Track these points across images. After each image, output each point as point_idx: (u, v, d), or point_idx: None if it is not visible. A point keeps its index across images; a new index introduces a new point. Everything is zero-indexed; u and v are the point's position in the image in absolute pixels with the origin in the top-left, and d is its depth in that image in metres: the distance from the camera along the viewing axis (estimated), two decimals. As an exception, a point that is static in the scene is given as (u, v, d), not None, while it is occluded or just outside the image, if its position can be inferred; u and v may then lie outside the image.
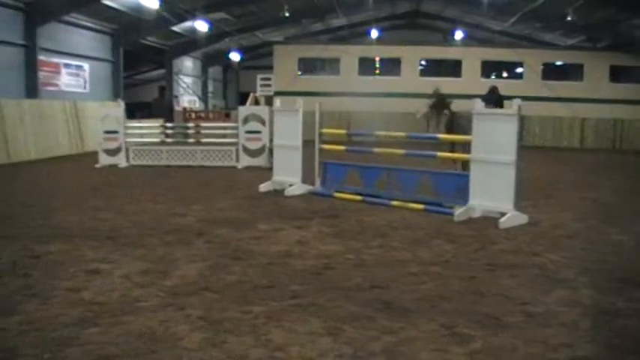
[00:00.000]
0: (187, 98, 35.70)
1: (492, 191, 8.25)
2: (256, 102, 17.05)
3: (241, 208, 9.29)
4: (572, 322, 4.46)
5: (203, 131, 16.70)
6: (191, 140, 16.64)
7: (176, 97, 33.29)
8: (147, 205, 9.49)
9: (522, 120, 8.15)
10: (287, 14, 28.63)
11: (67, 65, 22.79)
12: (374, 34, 36.05)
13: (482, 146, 8.37)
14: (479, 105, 8.51)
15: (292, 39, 35.67)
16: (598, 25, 28.56)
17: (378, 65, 32.75)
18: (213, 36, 30.57)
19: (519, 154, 8.05)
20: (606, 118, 29.32)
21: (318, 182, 10.88)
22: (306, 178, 10.92)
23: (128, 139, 16.32)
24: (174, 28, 28.63)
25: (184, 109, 32.69)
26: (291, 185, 10.83)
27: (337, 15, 32.54)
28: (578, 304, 4.87)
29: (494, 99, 14.67)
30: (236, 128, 16.03)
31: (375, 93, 30.15)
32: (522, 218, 8.19)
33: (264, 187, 11.20)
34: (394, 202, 9.34)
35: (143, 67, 35.87)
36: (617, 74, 30.52)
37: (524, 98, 9.33)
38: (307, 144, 10.93)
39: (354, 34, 38.94)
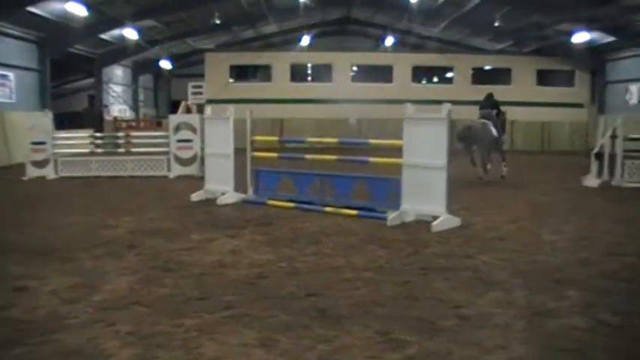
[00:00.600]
0: (118, 107, 34.84)
1: (425, 195, 8.31)
2: (188, 110, 16.82)
3: (173, 218, 9.11)
4: (506, 324, 4.49)
5: (133, 141, 16.30)
6: (121, 150, 16.27)
7: (106, 106, 32.45)
8: (76, 217, 9.18)
9: (453, 124, 8.22)
10: (217, 21, 28.27)
11: (-11, 74, 21.90)
12: (305, 40, 35.98)
13: (414, 150, 8.41)
14: (410, 109, 8.54)
15: (223, 46, 35.38)
16: (525, 30, 29.39)
17: (310, 72, 32.77)
18: (143, 44, 29.89)
19: (450, 157, 8.10)
20: (534, 120, 30.23)
21: (250, 190, 10.78)
22: (239, 187, 10.81)
23: (56, 150, 15.89)
24: (103, 36, 27.84)
25: (115, 118, 31.96)
26: (223, 194, 10.70)
27: (268, 22, 32.42)
28: (511, 306, 4.91)
29: (490, 104, 15.29)
30: (167, 137, 15.81)
31: (307, 99, 30.27)
32: (455, 221, 8.28)
33: (196, 196, 11.04)
34: (327, 209, 9.33)
35: (72, 76, 34.74)
36: (543, 78, 31.57)
37: (455, 102, 9.44)
38: (239, 152, 10.83)
39: (286, 40, 38.86)
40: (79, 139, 17.16)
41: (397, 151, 8.63)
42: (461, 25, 31.46)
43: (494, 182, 14.17)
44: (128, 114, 35.88)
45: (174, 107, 23.60)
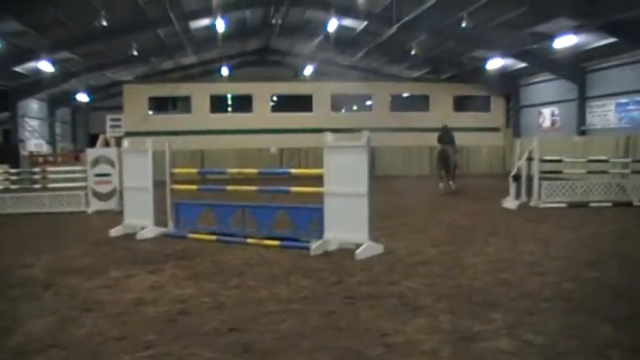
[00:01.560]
0: (34, 142, 33.63)
1: (347, 223, 8.27)
2: (106, 144, 16.38)
3: (91, 255, 8.75)
4: (433, 350, 4.47)
5: (50, 176, 15.73)
6: (37, 186, 15.68)
7: (22, 141, 31.26)
8: (-15, 258, 8.60)
9: (372, 151, 8.24)
10: (135, 53, 27.77)
11: None
12: (224, 71, 35.95)
13: (334, 179, 8.39)
14: (329, 138, 8.51)
15: (142, 78, 34.97)
16: (440, 57, 30.29)
17: (230, 102, 32.70)
18: (59, 76, 29.01)
19: (371, 184, 8.09)
20: (452, 145, 30.92)
21: (171, 224, 10.50)
22: (159, 220, 10.54)
23: None
24: (17, 69, 26.89)
25: (31, 153, 30.79)
26: (143, 228, 10.40)
27: (187, 53, 32.12)
28: (438, 331, 4.90)
29: (448, 136, 18.49)
30: (85, 171, 15.34)
31: (227, 130, 30.22)
32: (378, 248, 8.26)
33: (114, 231, 10.68)
34: (250, 240, 9.19)
35: None
36: (460, 103, 32.55)
37: (374, 129, 9.50)
38: (159, 185, 10.57)
39: (206, 71, 38.71)
40: None
41: (318, 180, 8.61)
42: (379, 53, 32.21)
43: (416, 207, 14.29)
44: (45, 148, 34.67)
45: (92, 141, 23.12)
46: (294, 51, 35.92)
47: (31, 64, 26.34)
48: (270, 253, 8.47)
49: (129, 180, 10.79)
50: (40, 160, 27.97)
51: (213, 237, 9.58)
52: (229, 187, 10.06)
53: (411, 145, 30.42)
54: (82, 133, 41.58)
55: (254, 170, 9.98)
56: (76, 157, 28.31)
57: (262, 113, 31.10)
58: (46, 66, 25.82)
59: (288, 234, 9.14)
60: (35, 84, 29.29)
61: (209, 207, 10.31)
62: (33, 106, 33.72)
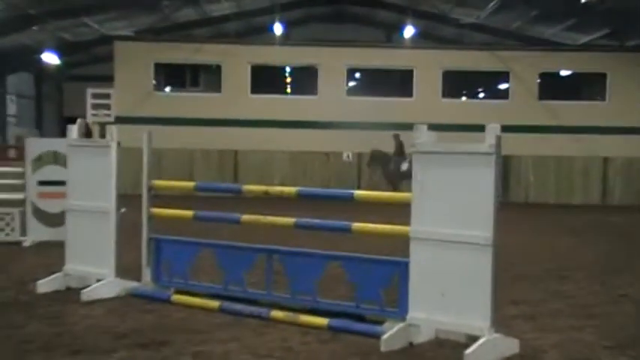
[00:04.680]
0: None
1: (450, 293, 7.41)
2: (88, 132, 15.92)
3: None
4: None
5: None
6: None
7: None
8: None
9: (503, 162, 7.10)
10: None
11: None
12: (278, 29, 35.54)
13: (431, 210, 7.55)
14: (423, 136, 7.56)
15: (146, 33, 35.24)
16: (631, 11, 28.44)
17: (283, 78, 33.11)
18: (9, 20, 28.90)
19: (498, 223, 7.11)
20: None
21: (147, 274, 9.91)
22: (128, 266, 10.09)
23: None
24: None
25: None
26: (98, 280, 9.83)
27: (218, -2, 31.85)
28: None
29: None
30: (21, 176, 15.14)
31: (276, 121, 30.12)
32: (508, 345, 7.38)
33: (47, 283, 10.12)
34: (275, 313, 8.53)
35: None
36: None
37: (511, 129, 8.42)
38: (132, 202, 10.22)
39: (247, 28, 38.91)
40: None
41: (404, 211, 7.86)
42: (522, 5, 31.28)
43: (577, 261, 14.03)
44: None
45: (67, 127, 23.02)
46: (387, 1, 35.18)
47: None
48: (308, 342, 7.78)
49: (76, 195, 10.28)
50: None
51: (216, 303, 9.00)
52: (247, 218, 9.44)
53: (574, 156, 29.68)
54: (52, 114, 41.83)
55: (291, 189, 9.10)
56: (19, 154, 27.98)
57: (333, 96, 31.04)
58: None
59: (344, 306, 8.56)
60: None
61: (211, 249, 9.84)
62: None
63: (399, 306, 7.89)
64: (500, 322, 7.43)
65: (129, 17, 34.54)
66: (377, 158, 27.69)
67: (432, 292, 7.54)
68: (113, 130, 10.04)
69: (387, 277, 8.14)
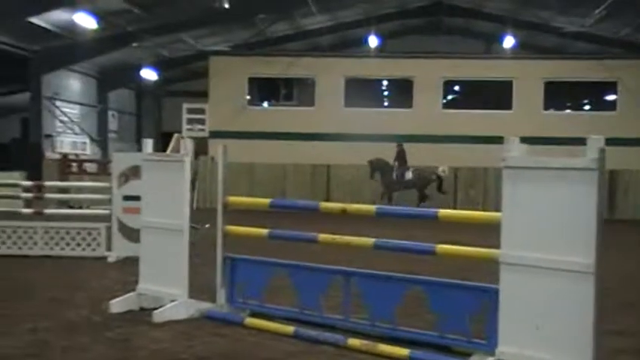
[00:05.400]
0: (71, 139, 34.23)
1: (543, 324, 6.76)
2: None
3: (49, 355, 7.77)
4: None
5: (50, 195, 15.29)
6: (27, 211, 15.66)
7: (49, 136, 31.74)
8: None
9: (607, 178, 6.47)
10: (227, 5, 27.14)
11: None
12: (373, 41, 35.17)
13: (522, 232, 6.90)
14: (515, 148, 6.97)
15: (241, 48, 35.40)
16: None
17: (378, 90, 32.88)
18: (111, 39, 29.16)
19: (601, 245, 6.36)
20: None
21: (222, 295, 9.57)
22: (202, 287, 9.83)
23: None
24: (38, 22, 27.04)
25: (64, 156, 31.21)
26: (173, 301, 9.48)
27: (312, 11, 31.44)
28: None
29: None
30: (108, 191, 15.00)
31: (370, 136, 29.81)
32: None
33: (119, 303, 9.83)
34: (352, 341, 8.05)
35: (1, 86, 34.59)
36: None
37: (619, 142, 7.70)
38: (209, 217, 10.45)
39: (341, 41, 38.85)
40: None
41: (494, 232, 7.28)
42: (630, 12, 30.10)
43: None
44: (89, 151, 35.28)
45: (166, 143, 23.24)
46: (485, 10, 34.94)
47: (62, 16, 26.64)
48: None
49: (149, 212, 10.00)
50: (75, 168, 28.13)
51: (290, 329, 8.60)
52: (324, 237, 9.01)
53: None
54: (151, 129, 42.33)
55: (370, 207, 8.61)
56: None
57: (428, 109, 30.65)
58: (84, 19, 25.80)
59: (426, 335, 8.04)
60: (70, 48, 29.41)
61: (285, 270, 9.49)
62: (72, 83, 34.37)
63: (487, 338, 7.37)
64: (603, 358, 6.74)
65: (224, 33, 34.80)
66: (378, 167, 27.22)
67: (524, 323, 6.92)
68: (187, 144, 9.71)
69: (475, 305, 7.62)
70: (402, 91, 31.05)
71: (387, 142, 28.80)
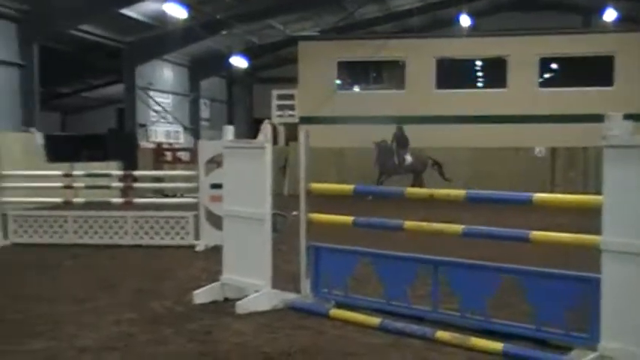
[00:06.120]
0: (165, 129, 34.51)
1: None
2: (274, 133, 15.70)
3: (127, 347, 7.72)
4: None
5: (138, 185, 16.02)
6: (117, 200, 15.86)
7: (144, 126, 32.17)
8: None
9: None
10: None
11: None
12: (464, 20, 34.53)
13: (628, 217, 6.46)
14: (618, 125, 6.63)
15: (330, 32, 35.38)
16: None
17: (469, 71, 32.22)
18: (201, 27, 29.29)
19: None
20: None
21: (307, 285, 9.34)
22: (283, 276, 9.70)
23: (6, 199, 15.52)
24: (130, 13, 27.38)
25: (158, 145, 31.55)
26: (256, 291, 9.29)
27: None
28: None
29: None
30: (195, 179, 14.99)
31: (462, 117, 29.32)
32: None
33: (203, 293, 9.72)
34: (441, 334, 7.76)
35: (96, 78, 34.98)
36: None
37: None
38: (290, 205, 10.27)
39: (431, 21, 38.24)
40: (42, 180, 16.95)
41: (595, 217, 6.91)
42: None
43: None
44: (182, 139, 35.50)
45: (257, 130, 23.26)
46: None
47: (153, 7, 27.05)
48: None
49: (231, 200, 9.86)
50: (169, 157, 28.55)
51: (376, 320, 8.30)
52: (410, 224, 8.70)
53: None
54: (242, 117, 42.38)
55: (459, 192, 8.17)
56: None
57: (524, 89, 29.69)
58: (174, 9, 26.31)
59: (521, 328, 7.71)
60: (162, 39, 29.96)
61: (370, 259, 9.28)
62: (165, 72, 35.03)
63: (588, 331, 7.00)
64: None
65: (313, 17, 34.80)
66: (385, 151, 26.71)
67: (629, 317, 6.55)
68: (267, 130, 9.31)
69: (574, 296, 7.34)
70: (496, 71, 30.24)
71: (480, 123, 28.52)
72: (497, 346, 7.24)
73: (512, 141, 28.03)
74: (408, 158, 26.07)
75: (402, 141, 26.81)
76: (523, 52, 29.60)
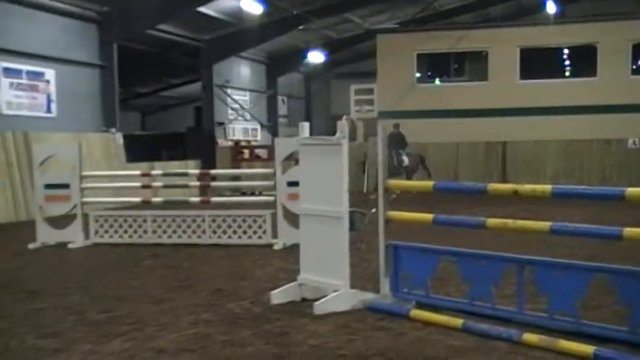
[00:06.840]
0: (242, 126, 34.71)
1: None
2: (353, 129, 15.63)
3: (206, 350, 7.71)
4: None
5: (215, 184, 16.10)
6: (194, 199, 16.08)
7: (222, 124, 32.37)
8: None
9: None
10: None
11: (8, 71, 21.56)
12: (550, 7, 33.99)
13: None
14: None
15: (409, 24, 35.02)
16: None
17: (557, 60, 31.61)
18: (277, 23, 29.29)
19: None
20: None
21: (386, 285, 9.20)
22: (361, 276, 9.81)
23: (87, 199, 15.61)
24: (207, 11, 27.53)
25: (236, 143, 31.85)
26: (334, 291, 9.21)
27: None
28: None
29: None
30: (272, 177, 15.05)
31: (548, 108, 28.78)
32: None
33: (280, 294, 9.69)
34: (528, 336, 7.50)
35: (175, 77, 35.37)
36: None
37: None
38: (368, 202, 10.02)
39: (514, 10, 37.72)
40: (123, 180, 17.21)
41: None
42: None
43: None
44: (260, 137, 35.65)
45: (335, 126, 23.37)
46: None
47: (229, 4, 27.27)
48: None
49: (307, 198, 9.76)
50: (247, 155, 28.73)
51: (458, 321, 8.13)
52: (493, 221, 8.47)
53: None
54: (320, 113, 42.44)
55: (545, 188, 7.96)
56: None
57: (615, 77, 29.01)
58: (251, 5, 26.60)
59: (614, 330, 7.43)
60: (238, 36, 30.18)
61: (453, 258, 9.08)
62: (242, 70, 35.40)
63: None
64: None
65: (391, 9, 34.48)
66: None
67: None
68: (344, 126, 9.18)
69: None
70: (585, 59, 29.65)
71: (569, 114, 28.00)
72: (587, 349, 6.97)
73: (603, 132, 27.49)
74: (405, 160, 25.37)
75: (398, 140, 25.53)
76: (614, 39, 28.92)
